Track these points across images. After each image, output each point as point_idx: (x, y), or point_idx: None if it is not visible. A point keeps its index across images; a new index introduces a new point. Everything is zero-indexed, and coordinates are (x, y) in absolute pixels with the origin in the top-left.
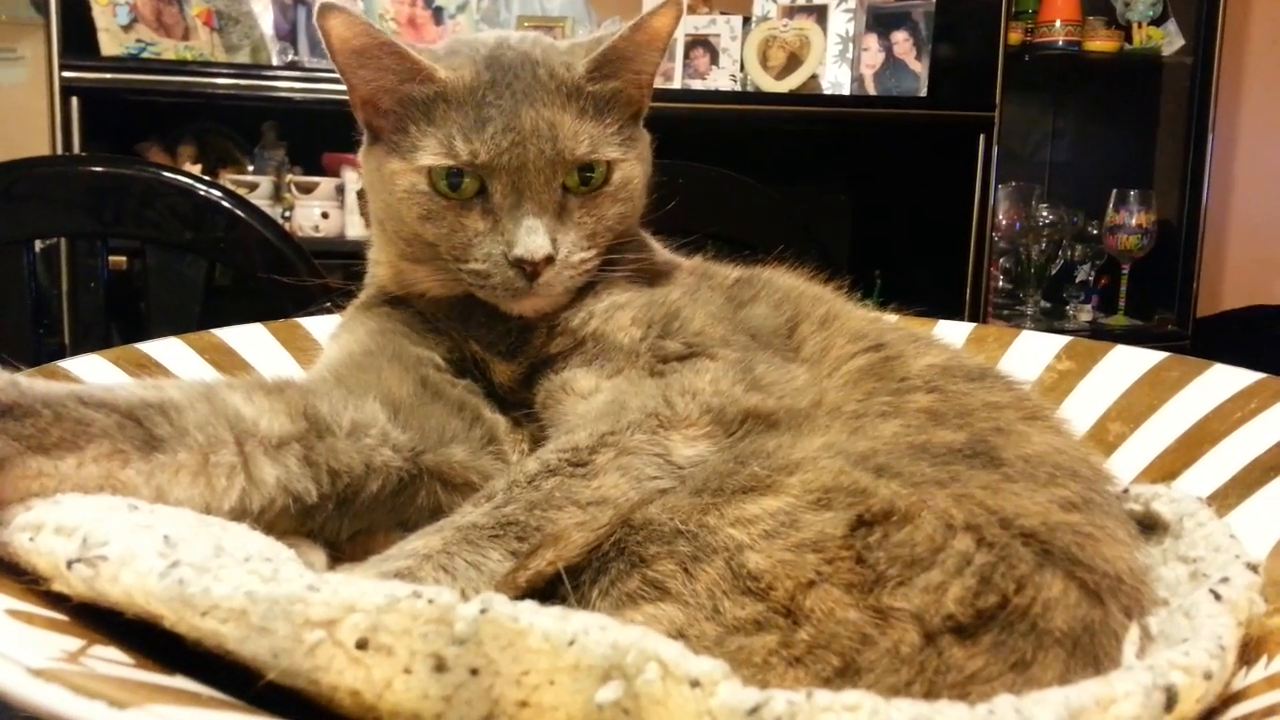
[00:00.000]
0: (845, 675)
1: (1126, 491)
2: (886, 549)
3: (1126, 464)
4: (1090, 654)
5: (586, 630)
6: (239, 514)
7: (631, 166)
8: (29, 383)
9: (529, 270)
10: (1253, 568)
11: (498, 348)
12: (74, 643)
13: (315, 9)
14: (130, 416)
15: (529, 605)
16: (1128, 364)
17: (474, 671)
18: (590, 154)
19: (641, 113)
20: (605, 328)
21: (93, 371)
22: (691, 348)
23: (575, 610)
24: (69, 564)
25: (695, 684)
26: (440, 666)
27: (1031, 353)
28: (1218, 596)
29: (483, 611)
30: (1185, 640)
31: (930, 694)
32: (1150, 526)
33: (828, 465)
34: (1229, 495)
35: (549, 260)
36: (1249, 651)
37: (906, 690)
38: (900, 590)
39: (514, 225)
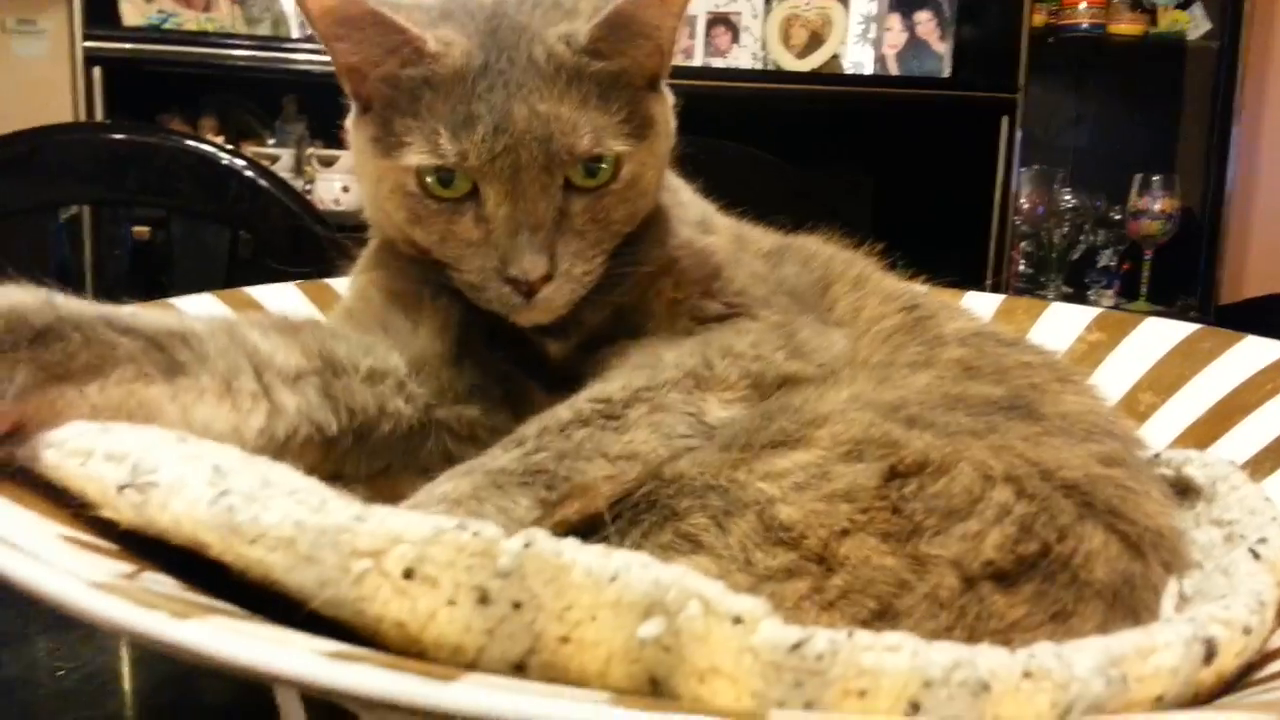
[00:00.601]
0: (883, 618)
1: (1158, 457)
2: (923, 500)
3: (1158, 434)
4: (1129, 607)
5: (629, 567)
6: (267, 438)
7: (643, 159)
8: (64, 302)
9: (524, 288)
10: None
11: (546, 328)
12: (127, 567)
13: None
14: (154, 342)
15: (572, 542)
16: (1159, 335)
17: (516, 605)
18: (594, 148)
19: (660, 76)
20: (646, 295)
21: None
22: (733, 308)
23: (616, 548)
24: (119, 489)
25: (738, 620)
26: (484, 599)
27: (1061, 324)
28: (1256, 555)
29: (527, 546)
30: (1224, 596)
31: (971, 640)
32: (1182, 492)
33: (857, 418)
34: (1261, 465)
35: (547, 278)
36: None
37: (947, 635)
38: (938, 539)
39: (507, 239)
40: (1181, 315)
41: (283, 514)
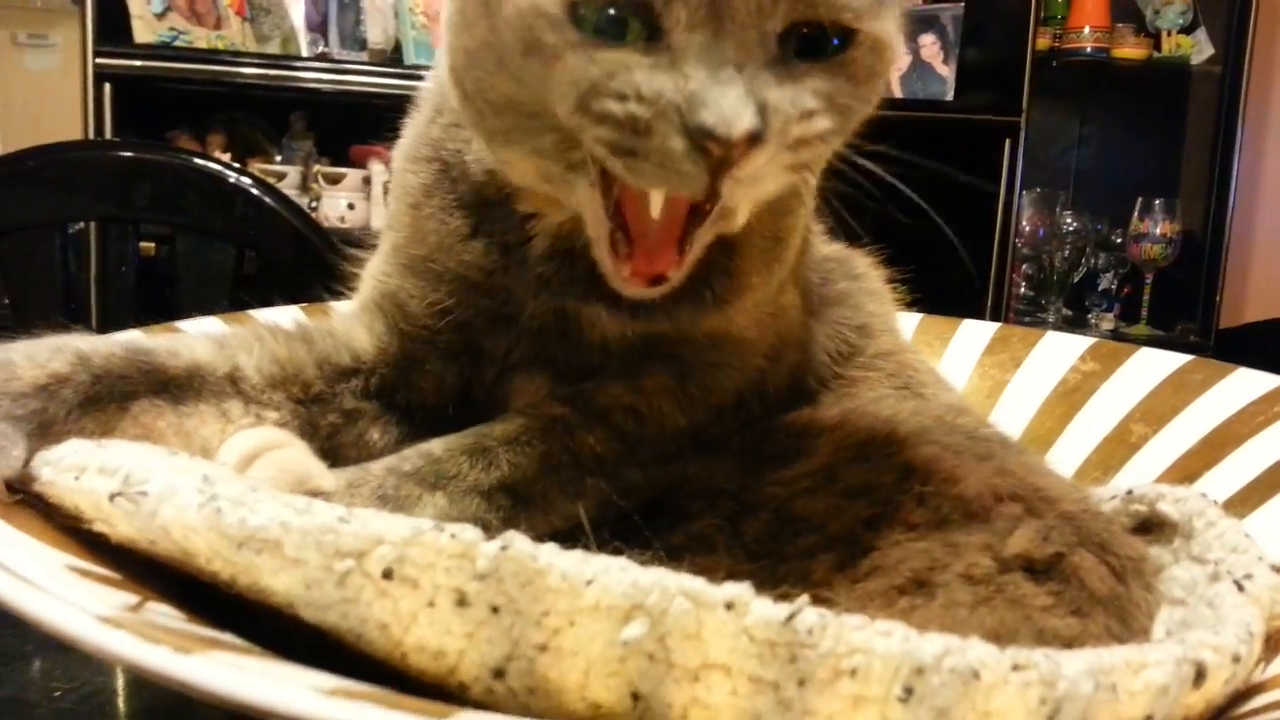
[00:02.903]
0: (920, 588)
1: (1130, 492)
2: (945, 499)
3: (1149, 465)
4: (1123, 621)
5: (606, 570)
6: None
7: (886, 29)
8: (93, 353)
9: (719, 151)
10: (1276, 569)
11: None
12: (131, 598)
13: None
14: (162, 383)
15: (550, 546)
16: (1152, 366)
17: (494, 609)
18: (845, 10)
19: None
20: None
21: None
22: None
23: (596, 554)
24: (111, 498)
25: (729, 606)
26: (462, 601)
27: (1056, 353)
28: (1241, 588)
29: (503, 549)
30: (1213, 626)
31: (1009, 613)
32: (1159, 526)
33: (856, 425)
34: (1250, 497)
35: (754, 141)
36: (1267, 648)
37: (986, 605)
38: (964, 530)
39: (701, 68)
40: (1182, 339)
41: (269, 516)
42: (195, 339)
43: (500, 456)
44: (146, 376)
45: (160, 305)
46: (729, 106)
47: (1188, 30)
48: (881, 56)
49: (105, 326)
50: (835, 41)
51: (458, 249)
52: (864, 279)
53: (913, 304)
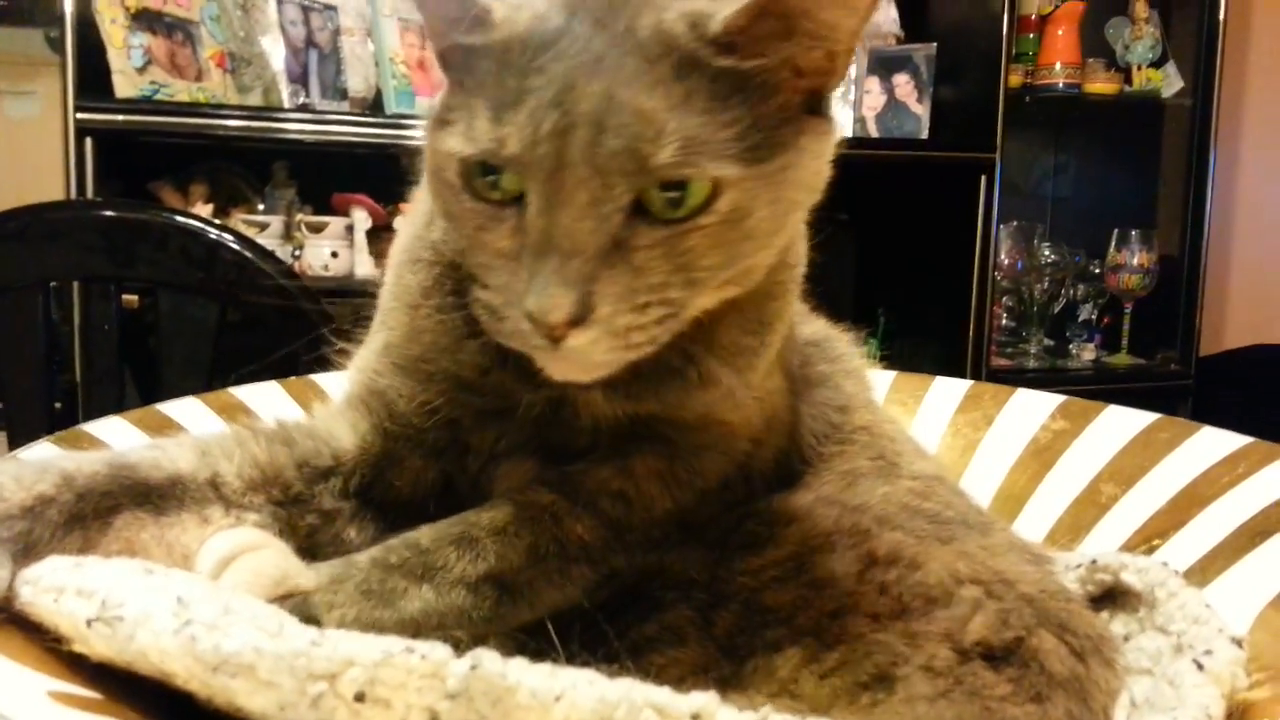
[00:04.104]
0: (882, 682)
1: (1094, 562)
2: (905, 586)
3: (1118, 527)
4: (1083, 700)
5: (574, 685)
6: None
7: (753, 189)
8: (77, 472)
9: (544, 332)
10: (1237, 642)
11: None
12: None
13: None
14: (146, 495)
15: (518, 662)
16: (1120, 424)
17: None
18: (679, 166)
19: (824, 93)
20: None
21: (115, 434)
22: None
23: (563, 667)
24: (88, 623)
25: (695, 717)
26: None
27: (1027, 411)
28: (1200, 667)
29: (473, 668)
30: (1173, 709)
31: (968, 706)
32: (1123, 594)
33: (824, 513)
34: (1217, 559)
35: (575, 323)
36: None
37: (946, 698)
38: (925, 618)
39: (534, 262)
40: (1163, 367)
41: (242, 641)
42: (178, 449)
43: (488, 547)
44: (129, 490)
45: (144, 356)
46: (548, 298)
47: (1157, 64)
48: (745, 216)
49: (90, 380)
50: (691, 193)
51: (453, 348)
52: (842, 360)
53: (896, 341)
